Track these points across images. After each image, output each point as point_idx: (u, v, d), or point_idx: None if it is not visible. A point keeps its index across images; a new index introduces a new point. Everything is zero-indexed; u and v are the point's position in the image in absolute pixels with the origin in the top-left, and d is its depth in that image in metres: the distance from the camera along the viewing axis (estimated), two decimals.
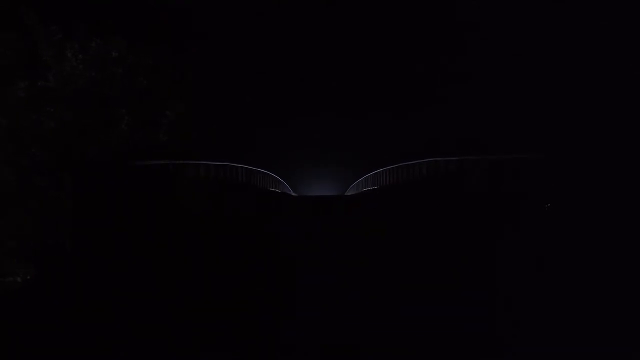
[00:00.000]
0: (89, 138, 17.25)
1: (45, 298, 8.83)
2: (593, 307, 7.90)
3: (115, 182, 13.73)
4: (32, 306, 8.45)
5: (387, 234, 17.83)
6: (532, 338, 7.30)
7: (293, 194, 51.20)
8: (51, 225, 11.90)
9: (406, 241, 16.49)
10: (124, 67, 18.57)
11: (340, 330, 8.58)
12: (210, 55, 21.84)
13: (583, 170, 13.70)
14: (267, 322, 9.17)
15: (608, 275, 9.28)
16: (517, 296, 8.07)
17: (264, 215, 20.86)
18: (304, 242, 16.97)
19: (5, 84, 14.47)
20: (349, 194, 55.95)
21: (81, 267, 10.19)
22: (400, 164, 32.37)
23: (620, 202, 12.12)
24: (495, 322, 7.97)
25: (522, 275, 9.22)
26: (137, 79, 18.81)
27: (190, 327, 7.56)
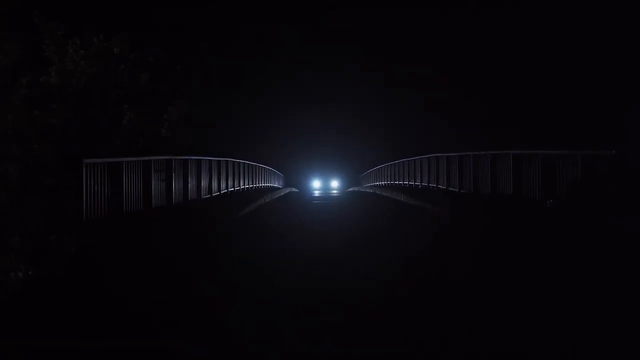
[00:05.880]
0: (90, 135, 17.21)
1: (47, 296, 8.84)
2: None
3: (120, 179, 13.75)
4: (33, 305, 8.46)
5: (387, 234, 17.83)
6: None
7: (293, 190, 51.18)
8: (54, 223, 11.90)
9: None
10: (126, 63, 18.48)
11: None
12: (212, 51, 21.86)
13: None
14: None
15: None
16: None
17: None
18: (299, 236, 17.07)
19: (9, 81, 14.44)
20: (350, 189, 55.94)
21: (85, 266, 10.20)
22: (402, 160, 32.51)
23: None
24: None
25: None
26: (140, 75, 18.74)
27: (195, 321, 7.57)
